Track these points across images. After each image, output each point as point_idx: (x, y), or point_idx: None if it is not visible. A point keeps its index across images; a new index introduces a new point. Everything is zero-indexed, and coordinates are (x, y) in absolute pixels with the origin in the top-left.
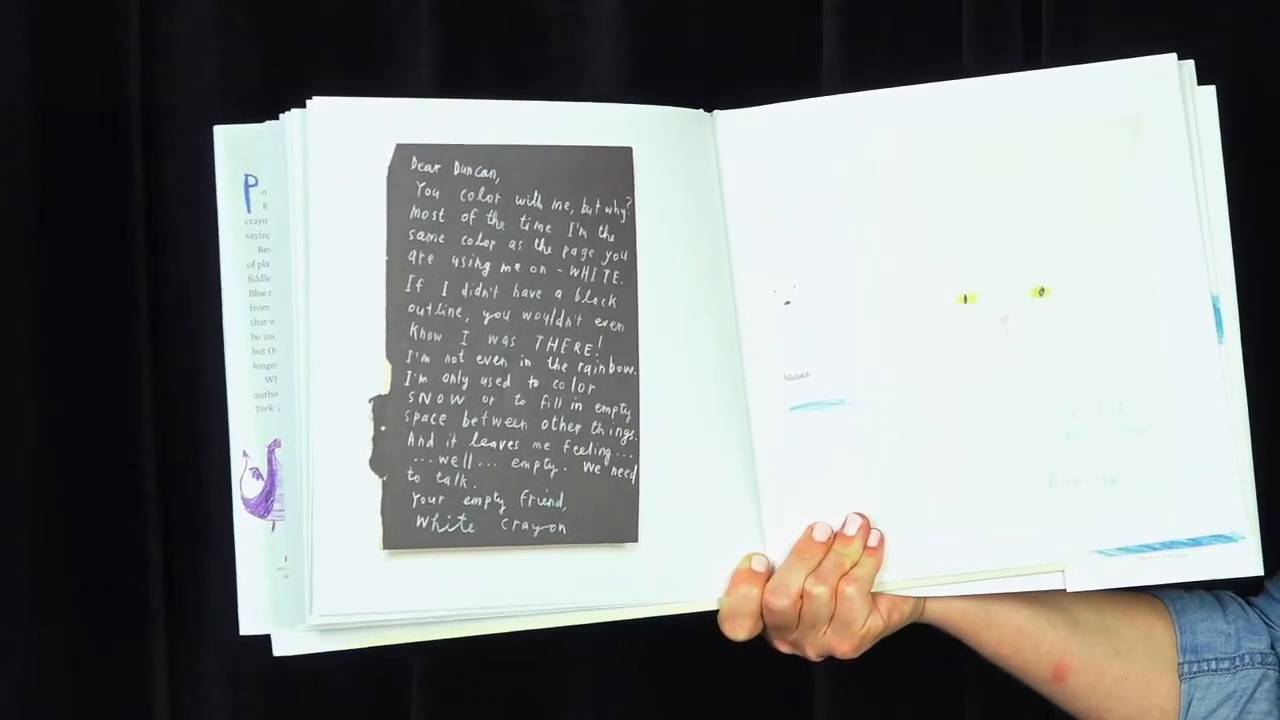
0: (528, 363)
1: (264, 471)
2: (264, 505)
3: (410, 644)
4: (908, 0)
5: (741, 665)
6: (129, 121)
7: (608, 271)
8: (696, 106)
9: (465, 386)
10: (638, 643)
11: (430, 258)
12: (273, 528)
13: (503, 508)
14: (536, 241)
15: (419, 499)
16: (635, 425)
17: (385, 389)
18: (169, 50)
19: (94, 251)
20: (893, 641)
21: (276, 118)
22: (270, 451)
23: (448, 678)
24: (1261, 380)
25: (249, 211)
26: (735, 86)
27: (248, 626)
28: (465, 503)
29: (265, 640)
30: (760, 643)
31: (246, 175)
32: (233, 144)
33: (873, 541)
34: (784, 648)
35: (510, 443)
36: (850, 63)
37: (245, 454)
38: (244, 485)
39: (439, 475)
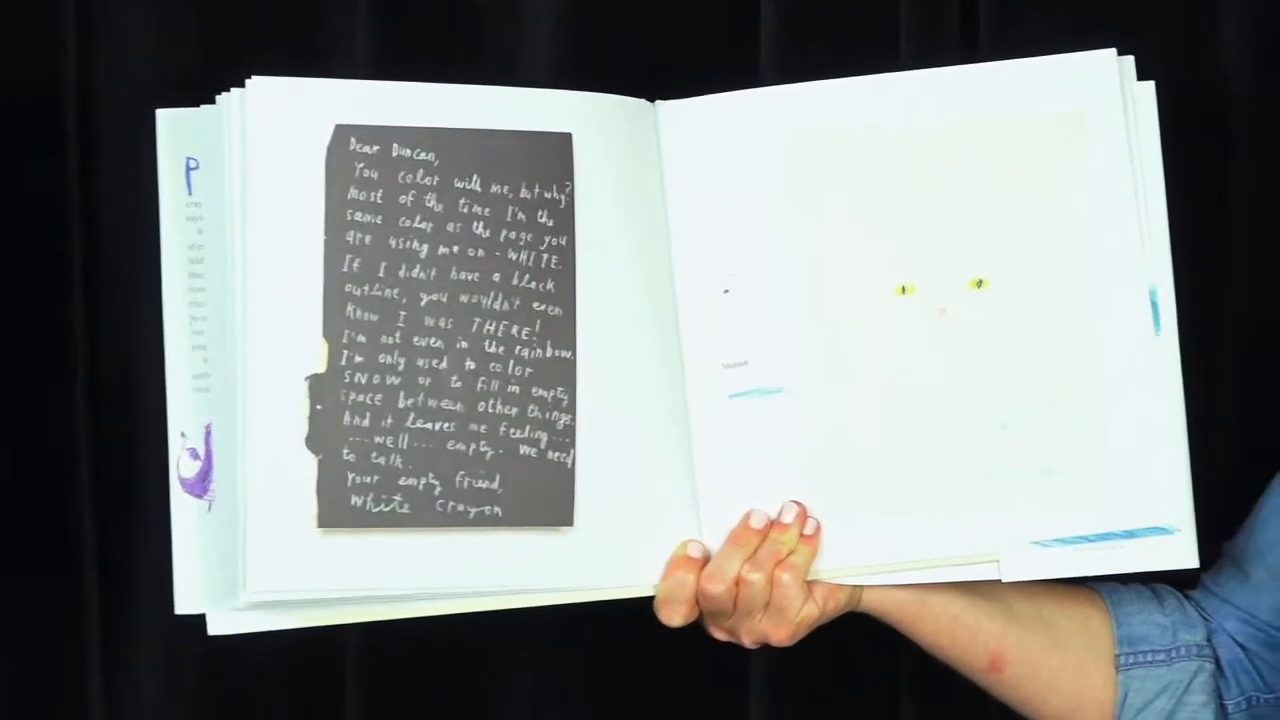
0: (464, 345)
1: (201, 452)
2: (201, 485)
3: (346, 625)
4: None
5: (677, 651)
6: (64, 104)
7: (546, 256)
8: (633, 94)
9: (402, 367)
10: (574, 627)
11: (368, 238)
12: (209, 508)
13: (438, 489)
14: (475, 224)
15: (354, 478)
16: (572, 409)
17: (321, 368)
18: (104, 33)
19: (28, 234)
20: (829, 630)
21: (213, 101)
22: (207, 432)
23: (383, 660)
24: (1197, 373)
25: (190, 194)
26: (671, 75)
27: (183, 606)
28: (400, 483)
29: (201, 623)
30: (696, 628)
31: (188, 158)
32: (174, 127)
33: (809, 529)
34: (720, 635)
35: (446, 424)
36: (788, 53)
37: (183, 434)
38: (181, 465)
39: (374, 455)
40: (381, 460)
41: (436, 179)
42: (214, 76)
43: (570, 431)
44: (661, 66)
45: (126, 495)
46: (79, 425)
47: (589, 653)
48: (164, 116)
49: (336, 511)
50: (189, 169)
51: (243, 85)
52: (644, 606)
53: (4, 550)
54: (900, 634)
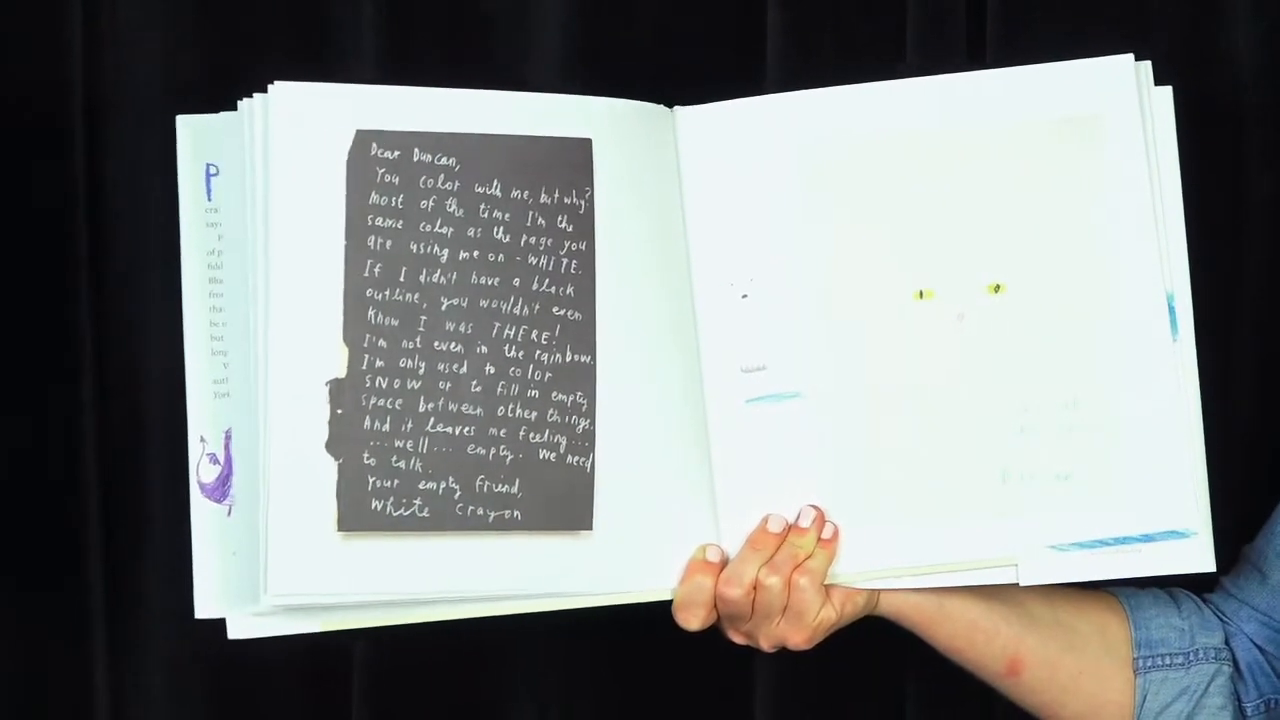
0: (485, 349)
1: (221, 457)
2: (220, 490)
3: (353, 632)
4: None
5: (684, 656)
6: (72, 111)
7: (566, 261)
8: (641, 96)
9: (422, 371)
10: (579, 632)
11: (389, 243)
12: (229, 512)
13: (458, 493)
14: (495, 229)
15: (374, 482)
16: (591, 414)
17: (342, 372)
18: (111, 35)
19: (35, 236)
20: (835, 634)
21: (220, 107)
22: (227, 437)
23: (389, 667)
24: (1214, 378)
25: (210, 200)
26: (677, 82)
27: (203, 610)
28: (420, 487)
29: (208, 629)
30: (710, 633)
31: (208, 164)
32: (195, 133)
33: (827, 534)
34: (737, 638)
35: (466, 428)
36: (793, 60)
37: (202, 439)
38: (201, 470)
39: (394, 459)
40: (402, 464)
41: (457, 184)
42: (221, 80)
43: (590, 435)
44: (668, 74)
45: (134, 499)
46: (86, 428)
47: (595, 658)
48: (184, 122)
49: (357, 515)
50: (209, 175)
51: (252, 89)
52: (651, 611)
53: (10, 554)
54: (907, 638)
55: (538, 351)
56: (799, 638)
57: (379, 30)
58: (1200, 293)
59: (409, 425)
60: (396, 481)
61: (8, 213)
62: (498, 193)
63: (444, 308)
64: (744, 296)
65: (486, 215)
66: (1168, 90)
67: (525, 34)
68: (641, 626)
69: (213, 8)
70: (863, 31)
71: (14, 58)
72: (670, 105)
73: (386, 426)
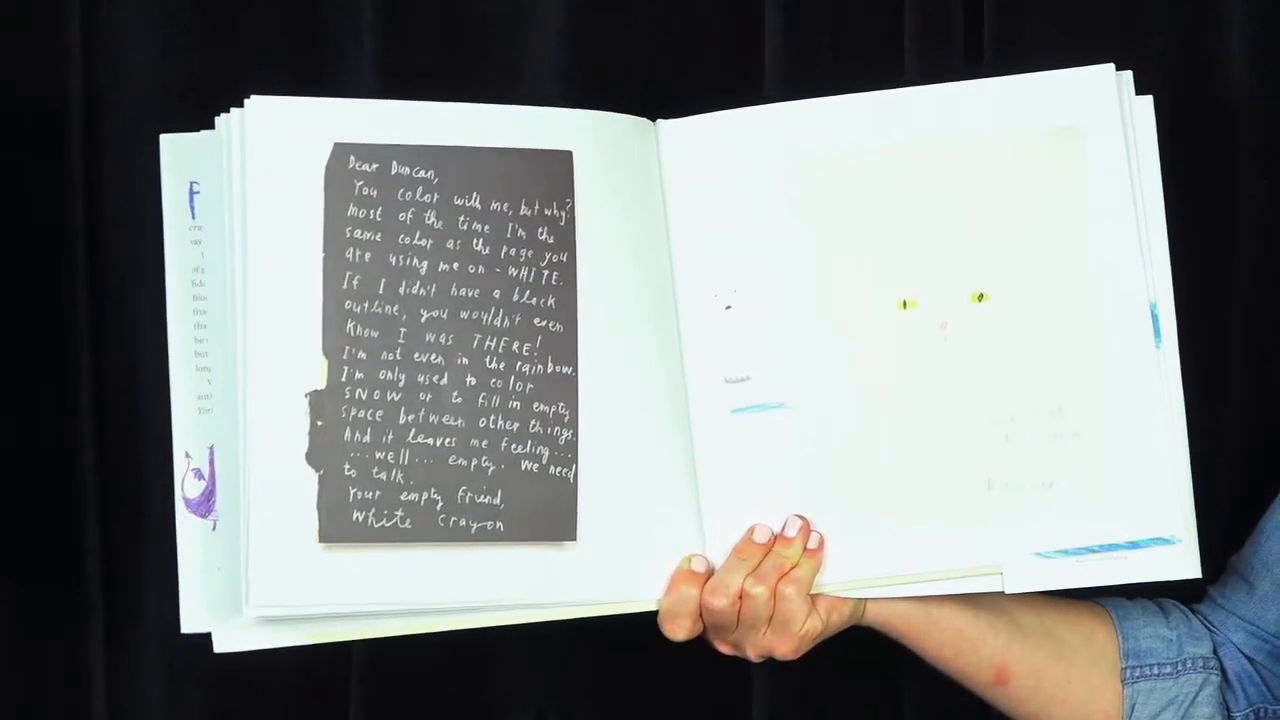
0: (465, 361)
1: (205, 472)
2: (205, 505)
3: (349, 640)
4: None
5: (680, 664)
6: (69, 117)
7: (546, 272)
8: (637, 103)
9: (402, 383)
10: (577, 639)
11: (368, 255)
12: (214, 527)
13: (440, 504)
14: (474, 241)
15: (355, 493)
16: (574, 425)
17: (322, 384)
18: (109, 45)
19: (32, 248)
20: (831, 642)
21: (217, 113)
22: (211, 452)
23: (387, 672)
24: (1203, 386)
25: (193, 218)
26: (676, 86)
27: (189, 625)
28: (402, 498)
29: (205, 638)
30: (700, 643)
31: (191, 182)
32: (178, 152)
33: (812, 544)
34: (724, 649)
35: (447, 440)
36: (792, 62)
37: (187, 455)
38: (186, 486)
39: (375, 470)
40: (383, 476)
41: (436, 196)
42: (219, 87)
43: (572, 446)
44: (666, 77)
45: (130, 511)
46: (83, 437)
47: (592, 665)
48: (167, 141)
49: (338, 527)
50: (192, 193)
51: (250, 93)
52: (648, 619)
53: (8, 565)
54: (905, 647)
55: (519, 363)
56: (786, 647)
57: (376, 36)
58: (1192, 299)
59: (390, 436)
60: (378, 493)
61: (4, 222)
62: (477, 205)
63: (424, 319)
64: (727, 307)
65: (466, 227)
66: (1149, 99)
67: (522, 37)
68: (640, 631)
69: (211, 11)
70: (861, 36)
71: (12, 61)
72: (667, 108)
73: (367, 438)
